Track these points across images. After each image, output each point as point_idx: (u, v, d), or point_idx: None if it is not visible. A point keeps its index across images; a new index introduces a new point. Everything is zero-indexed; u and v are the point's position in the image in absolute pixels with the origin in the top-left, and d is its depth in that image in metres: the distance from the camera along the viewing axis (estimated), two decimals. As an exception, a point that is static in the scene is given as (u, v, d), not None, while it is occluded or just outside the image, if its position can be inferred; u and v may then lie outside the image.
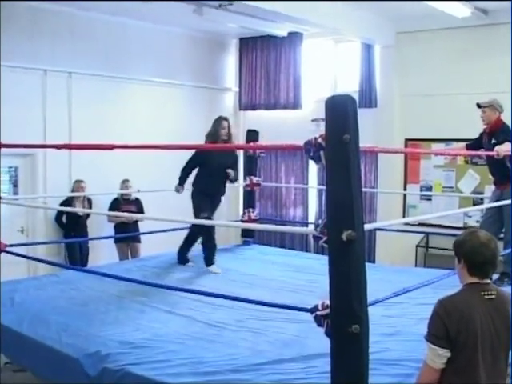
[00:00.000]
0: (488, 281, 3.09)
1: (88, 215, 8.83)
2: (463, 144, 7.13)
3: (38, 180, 8.81)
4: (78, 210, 8.51)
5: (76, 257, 8.69)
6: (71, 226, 8.79)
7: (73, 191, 8.68)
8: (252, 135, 8.54)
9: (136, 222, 9.21)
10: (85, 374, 4.27)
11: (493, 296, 3.03)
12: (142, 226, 9.14)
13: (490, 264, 3.05)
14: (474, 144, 6.84)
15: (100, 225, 9.16)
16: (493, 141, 6.40)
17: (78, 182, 8.75)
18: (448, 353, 2.94)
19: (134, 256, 9.07)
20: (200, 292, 5.11)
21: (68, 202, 8.59)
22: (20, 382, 5.32)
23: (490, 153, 6.08)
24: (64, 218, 8.82)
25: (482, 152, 6.56)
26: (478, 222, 8.80)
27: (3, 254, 5.65)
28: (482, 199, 8.69)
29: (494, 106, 6.53)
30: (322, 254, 7.82)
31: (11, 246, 5.77)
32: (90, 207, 8.89)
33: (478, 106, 6.60)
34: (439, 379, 3.01)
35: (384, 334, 4.60)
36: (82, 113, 9.06)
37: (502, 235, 6.46)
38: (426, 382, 3.04)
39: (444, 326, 2.93)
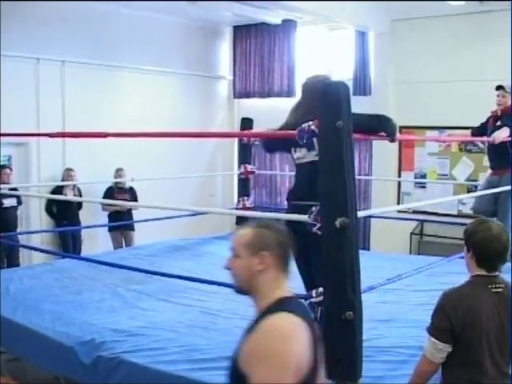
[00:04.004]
0: (496, 273, 2.98)
1: (79, 204, 8.81)
2: (464, 131, 7.09)
3: (32, 169, 8.79)
4: (71, 198, 8.48)
5: (69, 245, 8.68)
6: (62, 214, 8.76)
7: (63, 179, 8.65)
8: (246, 123, 8.50)
9: (130, 210, 9.21)
10: (79, 362, 4.26)
11: (500, 289, 2.93)
12: (136, 215, 9.14)
13: (500, 258, 2.95)
14: (479, 129, 6.78)
15: (94, 214, 9.15)
16: (498, 123, 6.39)
17: (68, 170, 8.72)
18: (449, 348, 2.87)
19: (128, 244, 9.08)
20: (195, 279, 5.11)
21: (58, 190, 8.55)
22: (15, 370, 5.31)
23: (486, 139, 6.06)
24: (54, 208, 8.79)
25: (477, 138, 6.50)
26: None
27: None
28: (476, 186, 8.69)
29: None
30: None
31: (6, 235, 5.77)
32: (80, 196, 8.85)
33: (500, 87, 6.48)
34: (445, 373, 2.95)
35: (378, 321, 4.60)
36: (76, 101, 9.03)
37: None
38: (423, 374, 2.98)
39: (448, 320, 2.85)
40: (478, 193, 6.07)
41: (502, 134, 6.04)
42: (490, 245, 2.91)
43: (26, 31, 8.45)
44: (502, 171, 6.42)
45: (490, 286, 2.92)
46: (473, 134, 6.94)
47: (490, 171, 6.81)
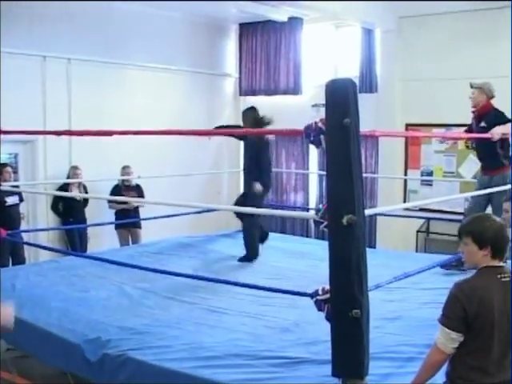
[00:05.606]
0: (503, 264, 3.04)
1: (85, 201, 8.82)
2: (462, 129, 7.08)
3: (39, 167, 8.79)
4: (77, 194, 8.50)
5: (76, 243, 8.69)
6: (68, 211, 8.76)
7: (69, 177, 8.66)
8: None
9: (137, 207, 9.20)
10: (85, 359, 4.28)
11: (507, 278, 2.98)
12: (143, 212, 9.14)
13: (509, 245, 3.04)
14: (469, 129, 6.73)
15: (101, 212, 9.14)
16: (482, 124, 6.25)
17: (74, 168, 8.72)
18: (461, 337, 2.90)
19: (135, 242, 9.07)
20: (199, 277, 5.12)
21: (64, 188, 8.55)
22: (21, 367, 5.32)
23: (484, 135, 5.91)
24: (60, 206, 8.79)
25: (477, 135, 6.36)
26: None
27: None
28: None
29: (483, 89, 6.31)
30: (323, 239, 7.81)
31: (12, 232, 5.77)
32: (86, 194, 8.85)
33: (471, 86, 6.39)
34: (453, 361, 2.97)
35: (385, 319, 4.60)
36: (82, 99, 9.02)
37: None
38: (434, 364, 2.99)
39: (463, 309, 2.87)
40: (472, 193, 5.99)
41: (499, 130, 5.82)
42: (503, 235, 3.01)
43: (33, 29, 8.44)
44: (493, 171, 6.27)
45: (498, 276, 2.98)
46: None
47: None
